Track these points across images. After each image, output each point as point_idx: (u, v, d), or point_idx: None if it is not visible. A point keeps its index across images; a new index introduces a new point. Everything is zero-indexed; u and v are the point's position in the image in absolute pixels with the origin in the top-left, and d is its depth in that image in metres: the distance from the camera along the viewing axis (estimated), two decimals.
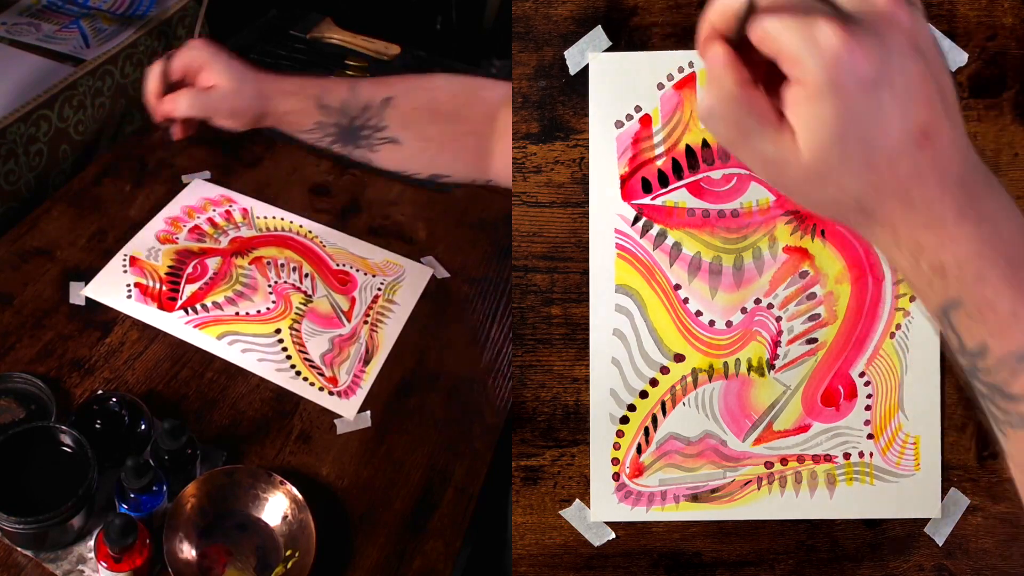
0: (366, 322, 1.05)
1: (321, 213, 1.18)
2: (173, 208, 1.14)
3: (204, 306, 1.02)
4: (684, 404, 0.73)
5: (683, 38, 0.72)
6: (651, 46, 0.72)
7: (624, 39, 0.71)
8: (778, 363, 0.73)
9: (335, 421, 0.94)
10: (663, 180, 0.72)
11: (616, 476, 0.73)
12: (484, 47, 1.70)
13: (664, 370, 0.72)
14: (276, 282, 1.07)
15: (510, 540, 0.73)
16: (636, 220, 0.72)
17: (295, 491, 0.81)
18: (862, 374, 0.73)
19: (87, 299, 1.01)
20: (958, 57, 0.72)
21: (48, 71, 1.23)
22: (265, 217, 1.15)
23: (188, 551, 0.78)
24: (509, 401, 0.99)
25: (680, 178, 0.72)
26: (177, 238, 1.10)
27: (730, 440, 0.73)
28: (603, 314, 0.72)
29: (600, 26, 0.71)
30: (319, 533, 0.80)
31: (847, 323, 0.73)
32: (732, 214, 0.72)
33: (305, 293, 1.06)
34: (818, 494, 0.73)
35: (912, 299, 0.73)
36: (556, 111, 0.72)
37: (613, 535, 0.73)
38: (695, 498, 0.73)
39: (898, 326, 0.73)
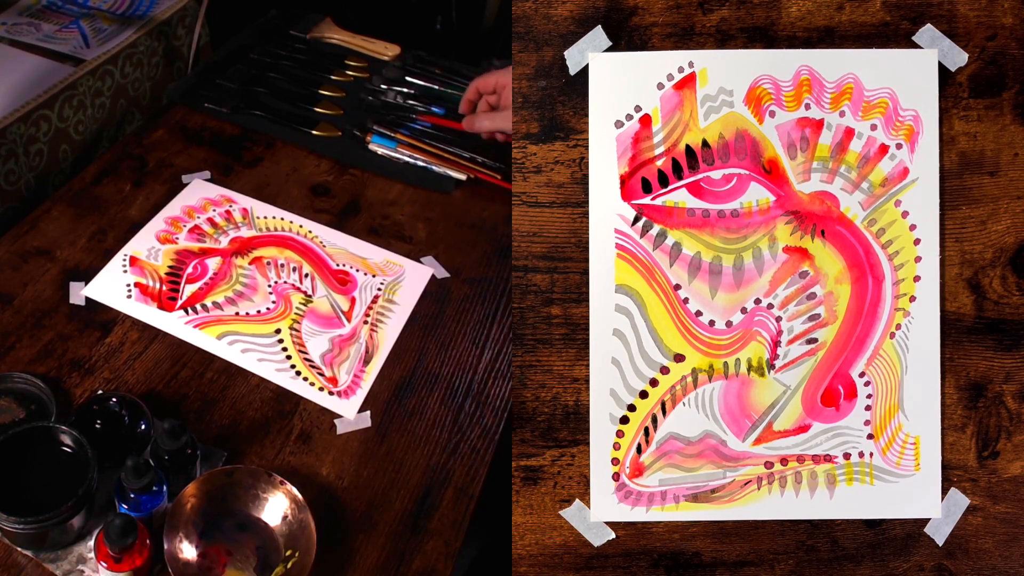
0: (366, 322, 1.05)
1: (321, 213, 1.18)
2: (173, 208, 1.14)
3: (204, 306, 1.02)
4: (684, 404, 0.73)
5: (683, 38, 0.72)
6: (651, 46, 0.72)
7: (624, 39, 0.71)
8: (778, 363, 0.73)
9: (335, 421, 0.94)
10: (663, 180, 0.72)
11: (616, 476, 0.73)
12: (484, 47, 1.70)
13: (664, 370, 0.72)
14: (276, 282, 1.07)
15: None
16: (636, 220, 0.72)
17: (295, 491, 0.81)
18: (862, 374, 0.73)
19: (87, 299, 1.01)
20: (958, 57, 0.72)
21: (48, 71, 1.23)
22: (265, 217, 1.15)
23: (188, 551, 0.78)
24: (509, 401, 0.99)
25: (680, 178, 0.72)
26: (177, 238, 1.10)
27: (730, 440, 0.73)
28: (603, 314, 0.72)
29: (600, 26, 0.71)
30: (319, 533, 0.80)
31: (847, 323, 0.73)
32: (732, 214, 0.72)
33: (305, 293, 1.06)
34: (818, 494, 0.73)
35: (912, 299, 0.73)
36: (556, 111, 0.72)
37: (613, 535, 0.73)
38: (695, 498, 0.73)
39: (898, 326, 0.73)
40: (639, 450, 0.73)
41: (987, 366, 0.73)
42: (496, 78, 1.26)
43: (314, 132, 1.30)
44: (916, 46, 0.72)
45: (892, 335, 0.73)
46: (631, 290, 0.72)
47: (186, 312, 1.01)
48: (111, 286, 1.02)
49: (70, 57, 1.27)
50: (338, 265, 1.11)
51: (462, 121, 1.29)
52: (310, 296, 1.06)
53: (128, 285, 1.03)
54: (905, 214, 0.72)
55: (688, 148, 0.72)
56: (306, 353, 0.99)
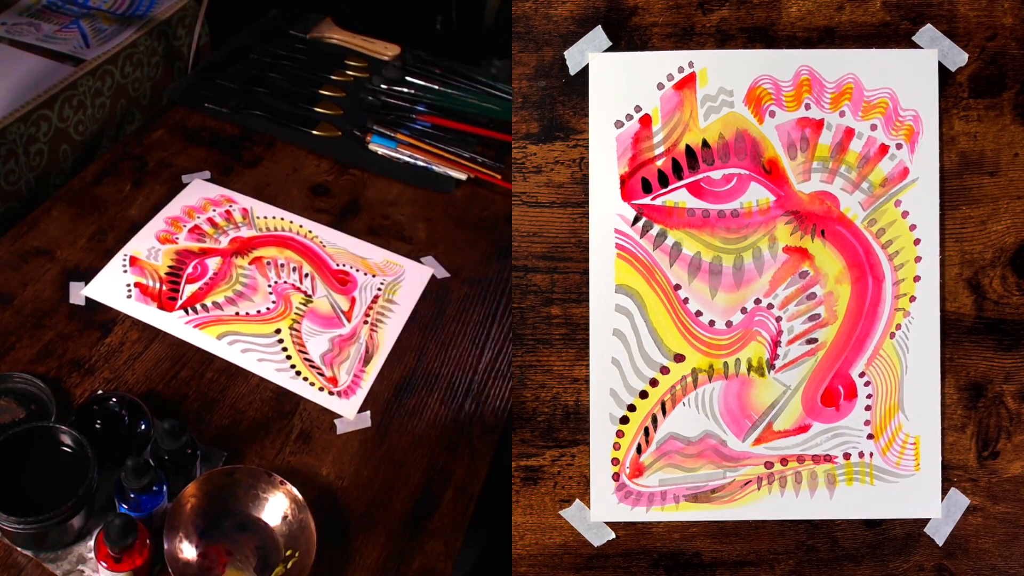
0: (366, 322, 1.05)
1: (321, 213, 1.18)
2: (173, 208, 1.14)
3: (204, 306, 1.02)
4: (684, 404, 0.73)
5: (683, 38, 0.72)
6: (651, 46, 0.72)
7: (624, 39, 0.71)
8: (778, 363, 0.73)
9: (335, 421, 0.94)
10: (663, 180, 0.72)
11: (616, 476, 0.73)
12: (484, 47, 1.70)
13: (664, 370, 0.72)
14: (276, 282, 1.07)
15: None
16: (636, 220, 0.72)
17: (295, 491, 0.81)
18: (862, 374, 0.73)
19: (87, 299, 1.01)
20: (958, 57, 0.72)
21: (48, 71, 1.23)
22: (265, 217, 1.15)
23: (188, 551, 0.78)
24: (509, 401, 0.99)
25: (680, 178, 0.72)
26: (177, 238, 1.10)
27: (730, 440, 0.73)
28: (603, 314, 0.72)
29: (600, 26, 0.71)
30: (319, 533, 0.80)
31: (847, 323, 0.73)
32: (732, 214, 0.72)
33: (305, 293, 1.06)
34: (818, 494, 0.73)
35: (912, 299, 0.73)
36: (556, 111, 0.72)
37: (613, 535, 0.73)
38: (695, 498, 0.73)
39: (898, 326, 0.73)
40: (639, 450, 0.73)
41: (987, 366, 0.73)
42: None
43: (314, 132, 1.30)
44: (916, 46, 0.72)
45: (892, 335, 0.73)
46: (631, 290, 0.72)
47: (186, 312, 1.01)
48: (111, 286, 1.02)
49: (70, 57, 1.27)
50: (338, 265, 1.11)
51: None
52: (310, 296, 1.06)
53: (128, 285, 1.03)
54: (905, 214, 0.72)
55: (688, 148, 0.72)
56: (306, 353, 0.99)
